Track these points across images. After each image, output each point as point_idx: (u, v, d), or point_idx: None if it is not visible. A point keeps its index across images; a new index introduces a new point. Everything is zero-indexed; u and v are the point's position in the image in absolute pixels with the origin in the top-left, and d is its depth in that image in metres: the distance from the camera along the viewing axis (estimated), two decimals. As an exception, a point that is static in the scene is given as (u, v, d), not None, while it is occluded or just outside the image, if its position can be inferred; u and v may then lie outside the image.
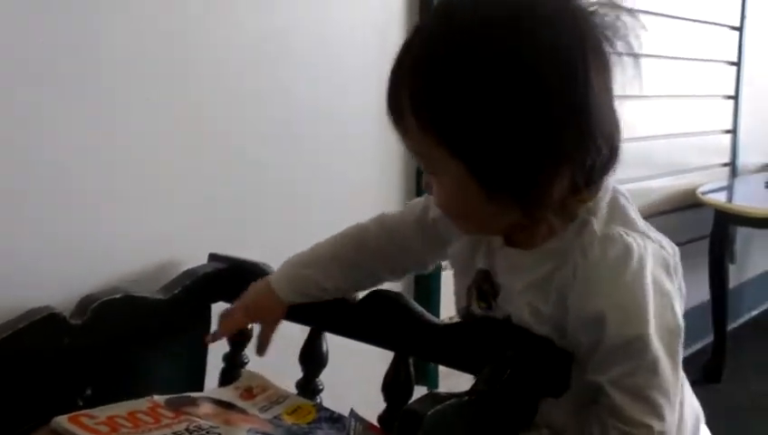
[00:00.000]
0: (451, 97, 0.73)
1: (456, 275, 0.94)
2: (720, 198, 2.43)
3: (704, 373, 2.49)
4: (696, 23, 2.43)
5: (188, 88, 1.15)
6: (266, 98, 1.26)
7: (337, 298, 1.02)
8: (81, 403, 0.97)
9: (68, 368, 0.97)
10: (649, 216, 2.27)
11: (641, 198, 2.31)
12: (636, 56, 0.78)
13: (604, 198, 0.81)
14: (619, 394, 0.77)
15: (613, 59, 0.76)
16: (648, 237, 0.81)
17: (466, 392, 0.80)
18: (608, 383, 0.78)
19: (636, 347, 0.77)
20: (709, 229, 2.42)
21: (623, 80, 0.79)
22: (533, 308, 0.82)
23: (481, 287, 0.88)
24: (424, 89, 0.75)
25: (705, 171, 2.56)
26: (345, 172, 1.38)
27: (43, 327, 0.93)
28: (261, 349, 1.05)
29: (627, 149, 2.29)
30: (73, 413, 0.91)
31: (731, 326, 2.59)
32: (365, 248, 1.00)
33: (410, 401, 0.77)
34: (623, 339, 0.77)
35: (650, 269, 0.78)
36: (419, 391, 1.42)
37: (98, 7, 1.04)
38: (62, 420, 0.89)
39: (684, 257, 2.59)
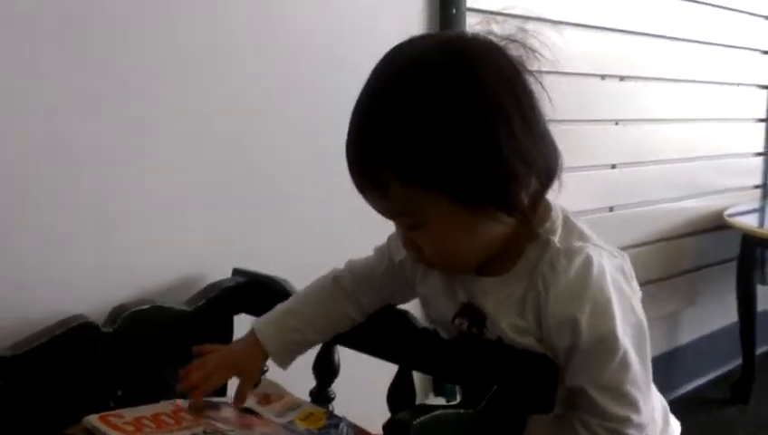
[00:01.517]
0: (427, 143, 0.79)
1: (430, 313, 0.99)
2: (749, 221, 2.42)
3: (732, 394, 2.49)
4: (728, 48, 2.45)
5: (215, 105, 1.20)
6: (292, 118, 1.31)
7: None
8: (112, 404, 1.03)
9: (100, 372, 1.03)
10: (675, 237, 2.31)
11: (670, 219, 2.33)
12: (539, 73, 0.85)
13: (558, 219, 0.88)
14: (598, 394, 0.83)
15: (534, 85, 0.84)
16: (602, 248, 0.88)
17: (454, 405, 0.85)
18: (588, 385, 0.84)
19: (608, 344, 0.82)
20: (737, 250, 2.42)
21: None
22: (513, 325, 0.87)
23: (471, 317, 0.92)
24: (401, 146, 0.79)
25: (734, 193, 2.55)
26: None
27: (78, 334, 1.00)
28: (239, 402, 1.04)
29: (656, 171, 2.32)
30: (103, 413, 0.97)
31: (760, 350, 2.57)
32: (344, 300, 1.04)
33: (400, 412, 0.82)
34: (597, 338, 0.82)
35: (609, 274, 0.84)
36: (437, 402, 1.48)
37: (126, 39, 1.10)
38: (93, 419, 0.95)
39: (712, 279, 2.59)
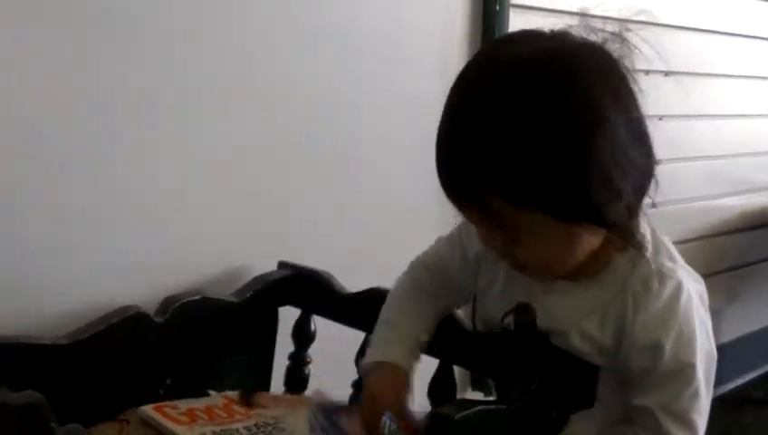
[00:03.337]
0: (521, 159, 0.75)
1: (479, 309, 0.99)
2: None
3: (773, 394, 2.48)
4: (775, 41, 2.41)
5: (263, 104, 1.22)
6: (334, 119, 1.32)
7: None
8: (161, 392, 1.07)
9: (151, 360, 1.06)
10: (718, 234, 2.28)
11: (713, 216, 2.31)
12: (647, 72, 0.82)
13: (647, 232, 0.87)
14: (665, 417, 0.84)
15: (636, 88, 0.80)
16: (687, 272, 0.88)
17: (495, 401, 0.87)
18: (656, 408, 0.84)
19: (686, 374, 0.83)
20: (784, 249, 2.39)
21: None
22: (585, 334, 0.87)
23: (521, 318, 0.92)
24: (504, 168, 0.76)
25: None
26: (407, 187, 1.41)
27: (130, 324, 1.03)
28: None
29: (700, 167, 2.28)
30: (158, 404, 1.00)
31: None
32: (428, 295, 1.01)
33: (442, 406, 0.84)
34: (677, 366, 0.83)
35: (695, 302, 0.85)
36: (476, 396, 1.49)
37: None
38: (148, 409, 0.98)
39: (755, 277, 2.55)
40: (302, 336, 1.21)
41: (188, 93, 1.15)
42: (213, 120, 1.18)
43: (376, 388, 0.94)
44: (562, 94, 0.75)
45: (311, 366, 1.23)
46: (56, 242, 1.05)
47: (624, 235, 0.83)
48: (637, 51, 0.81)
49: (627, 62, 0.81)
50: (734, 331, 2.44)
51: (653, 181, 0.82)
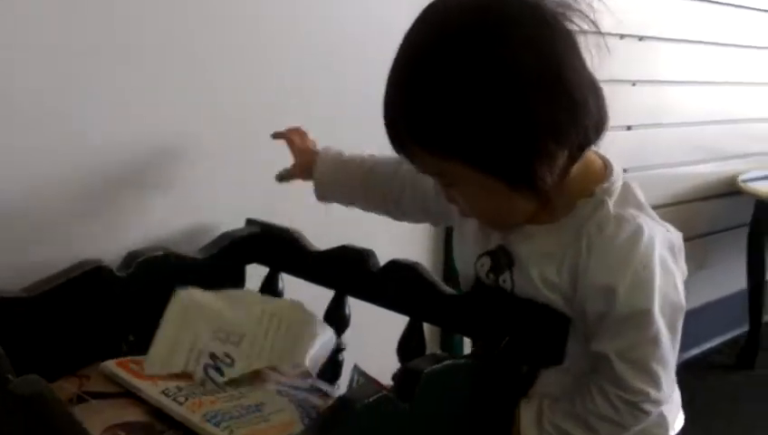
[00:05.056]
0: (446, 112, 0.77)
1: (461, 243, 0.98)
2: (763, 187, 2.40)
3: (738, 359, 2.51)
4: (752, 10, 2.41)
5: (236, 59, 1.21)
6: (310, 76, 1.30)
7: (356, 257, 1.08)
8: (125, 348, 1.05)
9: (114, 316, 1.04)
10: (688, 200, 2.30)
11: (683, 182, 2.32)
12: (597, 32, 0.81)
13: (618, 181, 0.86)
14: (622, 365, 0.83)
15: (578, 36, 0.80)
16: (657, 222, 0.86)
17: (466, 355, 0.87)
18: (613, 354, 0.83)
19: (641, 320, 0.82)
20: (750, 217, 2.41)
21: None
22: (544, 277, 0.86)
23: (498, 260, 0.91)
24: (418, 115, 0.79)
25: (750, 159, 2.54)
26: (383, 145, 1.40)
27: (92, 277, 1.01)
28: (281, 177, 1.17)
29: (672, 134, 2.29)
30: (121, 359, 0.98)
31: (768, 317, 2.58)
32: (396, 180, 1.06)
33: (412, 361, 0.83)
34: (630, 312, 0.81)
35: (658, 249, 0.83)
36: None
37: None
38: (111, 365, 0.96)
39: (723, 244, 2.58)
40: (271, 294, 1.19)
41: (160, 47, 1.12)
42: (184, 74, 1.16)
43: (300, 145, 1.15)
44: (491, 43, 0.76)
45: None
46: (19, 192, 1.02)
47: (548, 200, 0.82)
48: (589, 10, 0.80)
49: (580, 21, 0.80)
50: (701, 297, 2.47)
51: (599, 136, 0.83)
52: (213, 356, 0.99)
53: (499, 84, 0.76)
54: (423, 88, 0.78)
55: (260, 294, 1.17)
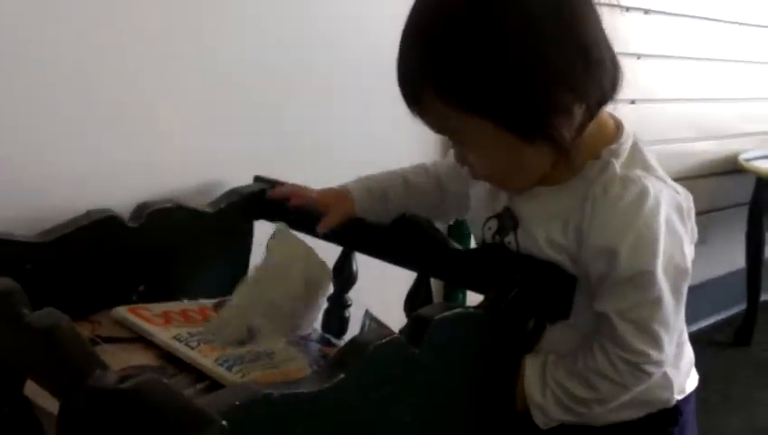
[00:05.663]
0: (467, 63, 0.77)
1: (473, 209, 0.99)
2: (764, 165, 2.40)
3: (735, 337, 2.53)
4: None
5: (246, 19, 1.21)
6: (311, 43, 1.30)
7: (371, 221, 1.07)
8: (135, 298, 1.06)
9: (124, 266, 1.05)
10: (689, 177, 2.31)
11: (684, 159, 2.33)
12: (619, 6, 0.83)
13: (627, 143, 0.86)
14: (623, 325, 0.83)
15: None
16: (665, 182, 0.86)
17: (475, 306, 0.87)
18: (614, 314, 0.83)
19: (643, 281, 0.81)
20: (750, 195, 2.42)
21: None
22: (550, 238, 0.86)
23: (503, 222, 0.92)
24: (436, 63, 0.79)
25: (751, 137, 2.54)
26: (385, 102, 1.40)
27: (103, 226, 1.02)
28: (324, 225, 1.06)
29: (675, 110, 2.29)
30: (132, 305, 0.99)
31: (766, 296, 2.58)
32: (422, 184, 1.07)
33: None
34: (632, 273, 0.81)
35: (664, 211, 0.82)
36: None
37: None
38: (122, 310, 0.98)
39: (722, 222, 2.57)
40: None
41: (172, 3, 1.13)
42: (196, 33, 1.16)
43: (318, 191, 1.09)
44: (505, 3, 0.77)
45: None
46: (33, 142, 1.03)
47: (567, 153, 0.82)
48: None
49: None
50: (700, 275, 2.46)
51: (614, 94, 0.83)
52: (249, 330, 0.98)
53: (517, 33, 0.76)
54: (442, 37, 0.78)
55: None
